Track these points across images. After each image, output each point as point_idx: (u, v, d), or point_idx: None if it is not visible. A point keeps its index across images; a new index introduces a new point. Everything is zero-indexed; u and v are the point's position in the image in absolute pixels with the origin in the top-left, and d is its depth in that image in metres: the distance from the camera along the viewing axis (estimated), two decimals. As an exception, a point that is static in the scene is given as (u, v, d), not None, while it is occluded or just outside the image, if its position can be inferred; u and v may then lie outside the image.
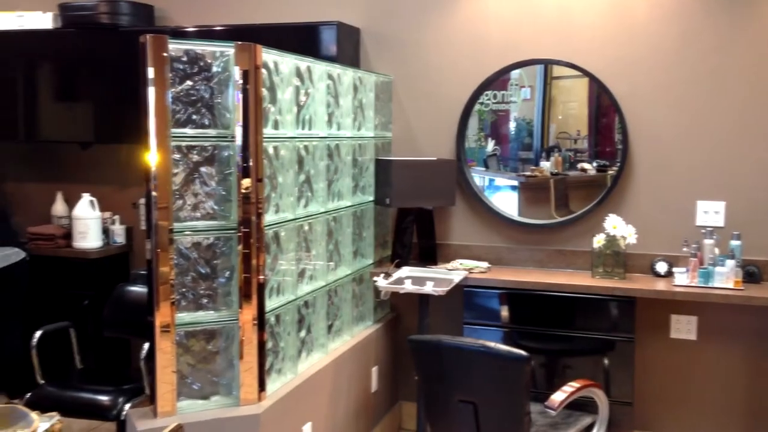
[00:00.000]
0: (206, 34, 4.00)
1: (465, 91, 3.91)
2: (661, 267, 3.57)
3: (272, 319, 2.77)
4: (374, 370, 3.70)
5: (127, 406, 3.13)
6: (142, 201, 4.28)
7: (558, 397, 2.64)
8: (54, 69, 4.33)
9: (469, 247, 3.95)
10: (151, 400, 2.55)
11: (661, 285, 3.42)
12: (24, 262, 4.00)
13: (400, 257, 3.80)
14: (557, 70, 3.89)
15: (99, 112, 4.28)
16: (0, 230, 4.01)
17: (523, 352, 2.41)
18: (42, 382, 3.36)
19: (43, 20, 4.27)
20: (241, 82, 2.54)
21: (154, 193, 2.48)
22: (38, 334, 3.40)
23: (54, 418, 1.33)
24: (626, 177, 3.70)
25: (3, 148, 4.54)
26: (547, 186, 3.96)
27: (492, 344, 2.49)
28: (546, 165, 3.95)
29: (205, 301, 2.63)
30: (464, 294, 3.60)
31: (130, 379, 3.46)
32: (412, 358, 2.83)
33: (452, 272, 3.57)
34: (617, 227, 3.51)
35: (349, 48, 3.92)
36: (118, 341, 4.19)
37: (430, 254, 3.89)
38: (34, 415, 1.25)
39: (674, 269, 3.49)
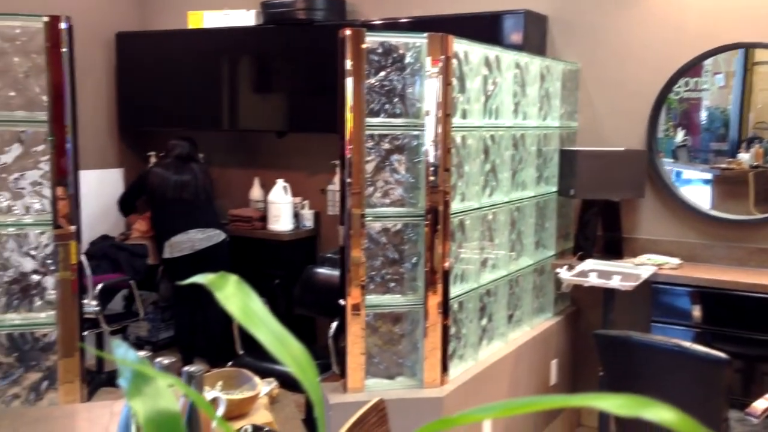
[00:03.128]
0: (393, 26, 4.11)
1: (658, 78, 3.71)
2: None
3: (455, 306, 2.81)
4: (554, 363, 3.65)
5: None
6: (331, 187, 4.50)
7: (761, 405, 2.46)
8: (254, 63, 4.65)
9: (658, 242, 3.76)
10: (342, 375, 2.69)
11: None
12: (225, 242, 4.36)
13: (583, 250, 3.71)
14: (759, 55, 3.59)
15: (293, 102, 4.55)
16: (206, 213, 4.38)
17: (723, 355, 2.27)
18: (241, 352, 3.64)
19: (247, 17, 4.60)
20: (432, 72, 2.59)
21: (348, 180, 2.60)
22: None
23: (273, 383, 1.45)
24: None
25: (209, 136, 4.96)
26: (745, 179, 3.67)
27: (688, 344, 2.37)
28: (744, 157, 3.66)
29: (392, 285, 2.73)
30: (652, 290, 3.44)
31: (316, 356, 3.66)
32: (598, 354, 2.75)
33: (640, 267, 3.43)
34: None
35: (535, 36, 3.86)
36: (305, 319, 4.45)
37: (615, 248, 3.75)
38: (257, 379, 1.38)
39: None
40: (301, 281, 3.92)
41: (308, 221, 4.72)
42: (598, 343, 2.71)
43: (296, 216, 4.69)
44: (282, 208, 4.58)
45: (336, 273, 3.64)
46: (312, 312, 3.99)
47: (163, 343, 4.90)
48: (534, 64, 3.40)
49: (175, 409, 0.51)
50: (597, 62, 3.88)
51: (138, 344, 4.97)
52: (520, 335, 3.35)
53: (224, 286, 0.57)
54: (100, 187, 4.80)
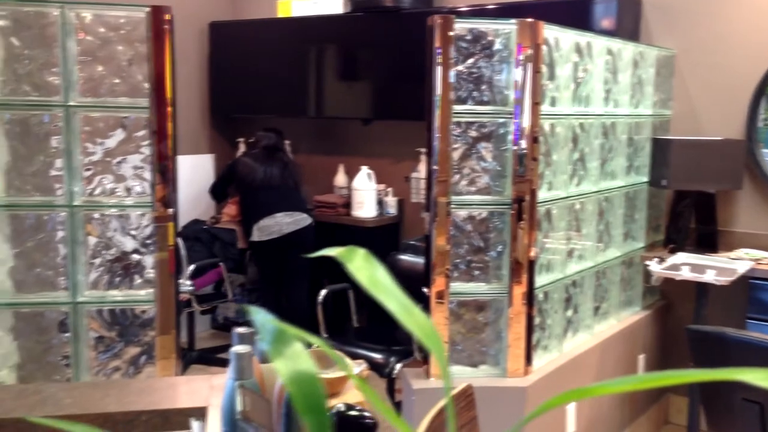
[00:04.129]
0: (480, 12, 4.08)
1: (758, 65, 3.55)
2: None
3: (540, 296, 2.79)
4: (641, 357, 3.56)
5: (398, 366, 3.36)
6: (415, 175, 4.51)
7: None
8: (340, 50, 4.71)
9: (756, 236, 3.60)
10: (425, 361, 2.72)
11: None
12: (311, 227, 4.45)
13: (674, 242, 3.59)
14: None
15: (378, 90, 4.58)
16: (293, 197, 4.48)
17: (825, 355, 2.16)
18: (325, 336, 3.72)
19: (334, 5, 4.65)
20: (521, 59, 2.56)
21: (434, 167, 2.60)
22: (323, 292, 3.76)
23: (362, 365, 1.49)
24: None
25: (296, 123, 5.06)
26: None
27: (787, 343, 2.26)
28: None
29: (477, 273, 2.72)
30: (750, 286, 3.31)
31: (398, 341, 3.69)
32: (689, 350, 2.67)
33: (736, 262, 3.29)
34: None
35: (629, 21, 3.75)
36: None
37: (709, 241, 3.61)
38: (348, 359, 1.41)
39: None
40: (385, 267, 3.96)
41: (391, 208, 4.75)
42: (690, 338, 2.62)
43: (380, 203, 4.73)
44: (366, 195, 4.63)
45: (419, 260, 3.67)
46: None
47: (249, 324, 5.05)
48: (627, 50, 3.30)
49: (313, 370, 0.54)
50: (694, 48, 3.74)
51: (226, 324, 5.14)
52: (606, 328, 3.29)
53: (353, 258, 0.61)
54: (192, 173, 4.98)
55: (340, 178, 4.90)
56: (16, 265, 2.38)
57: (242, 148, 5.14)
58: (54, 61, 2.28)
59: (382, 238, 4.70)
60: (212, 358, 4.55)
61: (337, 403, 1.32)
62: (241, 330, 1.13)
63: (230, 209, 4.73)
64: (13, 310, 2.37)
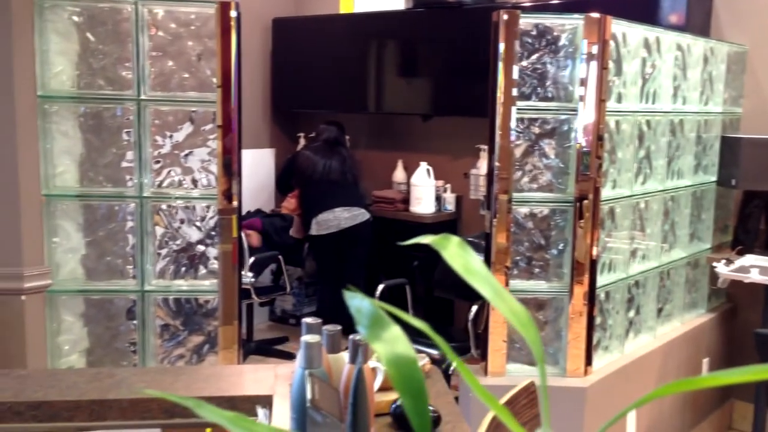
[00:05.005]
0: (544, 8, 4.02)
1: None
2: None
3: (602, 296, 2.74)
4: (705, 361, 3.47)
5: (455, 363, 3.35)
6: (474, 171, 4.49)
7: None
8: (401, 46, 4.71)
9: (830, 239, 3.47)
10: (483, 358, 2.70)
11: None
12: (369, 222, 4.47)
13: (743, 244, 3.48)
14: None
15: (438, 86, 4.57)
16: (351, 193, 4.51)
17: None
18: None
19: (396, 2, 4.66)
20: (588, 55, 2.52)
21: (496, 164, 2.59)
22: (381, 287, 3.77)
23: (425, 359, 1.49)
24: None
25: (355, 119, 5.09)
26: None
27: None
28: None
29: (537, 271, 2.69)
30: (822, 291, 3.18)
31: (455, 338, 3.69)
32: (757, 354, 2.60)
33: (808, 265, 3.18)
34: None
35: (699, 16, 3.65)
36: (444, 301, 4.49)
37: (780, 243, 3.49)
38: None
39: None
40: (442, 264, 3.94)
41: (450, 204, 4.74)
42: (758, 342, 2.55)
43: (438, 199, 4.72)
44: (424, 191, 4.63)
45: (478, 256, 3.66)
46: (451, 295, 4.02)
47: (306, 317, 5.12)
48: (697, 45, 3.22)
49: (411, 353, 0.55)
50: (767, 44, 3.61)
51: (283, 317, 5.22)
52: (669, 330, 3.21)
53: (448, 245, 0.62)
54: (254, 166, 5.06)
55: (399, 174, 4.91)
56: (88, 253, 2.47)
57: (302, 142, 5.20)
58: (127, 56, 2.36)
59: (440, 234, 4.68)
60: (270, 350, 4.62)
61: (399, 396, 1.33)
62: (309, 320, 1.15)
63: (289, 203, 4.79)
64: (84, 297, 2.46)
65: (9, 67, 2.24)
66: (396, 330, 0.57)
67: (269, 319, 5.29)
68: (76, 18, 2.35)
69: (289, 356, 4.50)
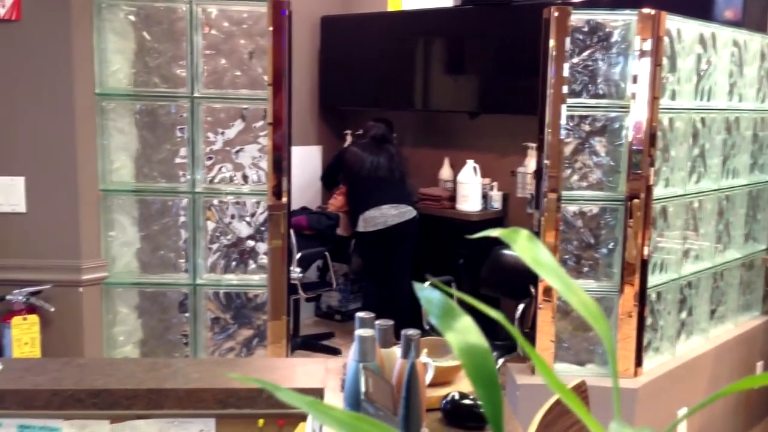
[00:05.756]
0: (593, 3, 3.96)
1: None
2: None
3: (653, 296, 2.70)
4: (759, 365, 3.39)
5: (500, 361, 3.34)
6: (521, 169, 4.46)
7: None
8: (448, 44, 4.70)
9: None
10: (529, 357, 2.69)
11: None
12: (416, 219, 4.47)
13: (800, 245, 3.39)
14: None
15: (486, 84, 4.54)
16: (398, 190, 4.52)
17: None
18: (427, 327, 3.74)
19: (444, -1, 4.65)
20: (641, 51, 2.48)
21: (546, 162, 2.57)
22: (427, 284, 3.77)
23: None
24: None
25: (402, 116, 5.09)
26: None
27: None
28: None
29: (586, 270, 2.67)
30: None
31: (500, 337, 3.67)
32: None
33: None
34: None
35: (756, 11, 3.56)
36: (490, 299, 4.46)
37: (840, 245, 3.39)
38: (461, 350, 1.42)
39: None
40: (489, 262, 3.94)
41: (496, 202, 4.71)
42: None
43: (485, 197, 4.70)
44: (471, 189, 4.61)
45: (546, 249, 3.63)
46: (497, 293, 4.00)
47: (351, 313, 5.15)
48: (754, 41, 3.14)
49: (483, 343, 0.55)
50: (828, 39, 3.50)
51: (329, 313, 5.26)
52: (722, 332, 3.15)
53: (517, 239, 0.62)
54: (301, 163, 5.11)
55: (445, 172, 4.90)
56: (142, 247, 2.52)
57: (349, 140, 5.23)
58: (181, 54, 2.40)
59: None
60: (316, 345, 4.66)
61: (451, 392, 1.34)
62: (362, 314, 1.16)
63: (336, 200, 4.82)
64: (138, 290, 2.52)
65: (69, 66, 2.31)
66: (467, 320, 0.57)
67: (315, 314, 5.34)
68: (132, 17, 2.40)
69: (334, 352, 4.54)
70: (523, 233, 0.63)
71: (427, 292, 0.58)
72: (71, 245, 2.36)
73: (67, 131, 2.33)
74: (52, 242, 2.36)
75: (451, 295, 0.63)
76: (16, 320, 2.25)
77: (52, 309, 2.31)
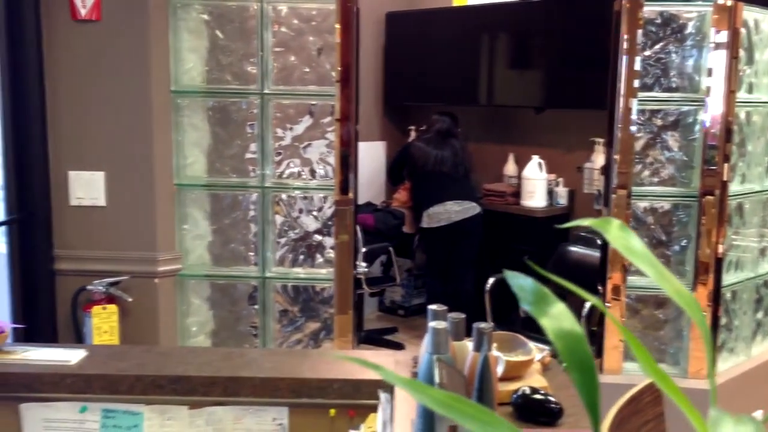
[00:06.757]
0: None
1: None
2: None
3: (728, 295, 2.62)
4: (840, 369, 3.25)
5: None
6: (588, 165, 4.38)
7: None
8: (513, 38, 4.66)
9: None
10: (597, 356, 2.65)
11: None
12: (480, 215, 4.45)
13: None
14: None
15: (551, 78, 4.48)
16: (463, 185, 4.50)
17: None
18: (491, 324, 3.72)
19: (510, -7, 4.61)
20: (716, 43, 2.41)
21: (615, 157, 2.52)
22: (491, 280, 3.75)
23: (545, 351, 1.49)
24: None
25: (466, 111, 5.07)
26: None
27: None
28: None
29: (657, 267, 2.61)
30: None
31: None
32: None
33: None
34: None
35: (839, -1, 3.41)
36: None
37: None
38: (531, 344, 1.42)
39: None
40: (554, 259, 3.89)
41: (562, 199, 4.65)
42: None
43: (550, 193, 4.64)
44: (536, 185, 4.56)
45: (590, 252, 3.57)
46: (562, 290, 3.95)
47: (414, 309, 5.16)
48: (837, 31, 3.00)
49: (577, 328, 0.56)
50: None
51: (392, 308, 5.29)
52: (800, 334, 3.03)
53: (609, 228, 0.63)
54: (366, 159, 5.14)
55: (510, 167, 4.86)
56: (214, 240, 2.60)
57: (413, 135, 5.24)
58: (252, 51, 2.46)
59: (551, 229, 4.60)
60: (379, 339, 4.70)
61: (522, 386, 1.33)
62: (434, 307, 1.18)
63: (401, 195, 4.85)
64: (210, 282, 2.60)
65: (146, 64, 2.39)
66: (561, 306, 0.58)
67: (378, 309, 5.38)
68: (205, 16, 2.47)
69: (398, 346, 4.56)
70: (615, 222, 0.63)
71: (520, 280, 0.59)
72: (148, 238, 2.45)
73: (144, 128, 2.42)
74: (130, 235, 2.45)
75: (546, 279, 0.64)
76: (96, 309, 2.35)
77: (130, 299, 2.40)
